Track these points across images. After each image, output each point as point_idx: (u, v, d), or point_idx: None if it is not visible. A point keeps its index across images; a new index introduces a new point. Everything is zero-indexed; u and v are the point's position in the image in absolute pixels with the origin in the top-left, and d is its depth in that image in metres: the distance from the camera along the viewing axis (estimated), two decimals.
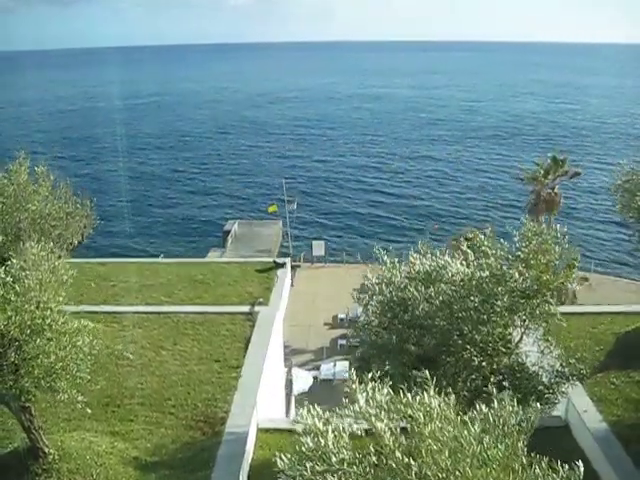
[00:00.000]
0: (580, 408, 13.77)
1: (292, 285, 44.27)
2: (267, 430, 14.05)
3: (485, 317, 8.96)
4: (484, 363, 8.58)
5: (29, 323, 9.05)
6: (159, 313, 18.23)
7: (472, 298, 8.88)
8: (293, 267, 47.30)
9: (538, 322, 9.52)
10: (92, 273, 21.28)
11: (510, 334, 9.54)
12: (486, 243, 10.44)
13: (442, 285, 9.39)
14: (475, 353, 8.56)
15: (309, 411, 6.30)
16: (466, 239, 38.49)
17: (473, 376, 8.70)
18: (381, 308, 9.94)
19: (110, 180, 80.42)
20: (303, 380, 29.89)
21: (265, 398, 15.27)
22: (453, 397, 6.06)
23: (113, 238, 59.09)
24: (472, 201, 67.43)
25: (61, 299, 9.92)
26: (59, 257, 10.77)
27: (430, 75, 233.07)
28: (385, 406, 5.87)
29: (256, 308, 18.26)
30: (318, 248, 47.51)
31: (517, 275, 9.39)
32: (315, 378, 32.80)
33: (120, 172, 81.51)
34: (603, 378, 15.00)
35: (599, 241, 56.53)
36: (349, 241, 56.79)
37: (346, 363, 34.37)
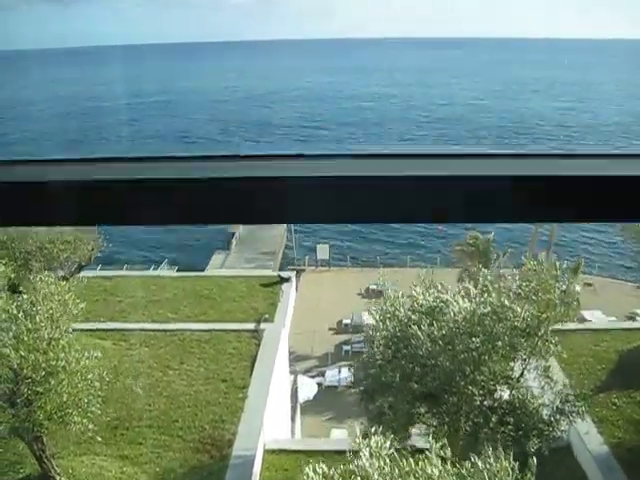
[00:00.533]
0: (582, 429, 13.96)
1: (296, 290, 44.74)
2: (273, 451, 14.31)
3: (486, 357, 9.15)
4: (485, 402, 8.78)
5: (44, 365, 9.29)
6: (165, 331, 18.47)
7: (474, 339, 9.07)
8: (297, 271, 47.66)
9: (538, 359, 9.71)
10: (99, 288, 21.52)
11: (511, 369, 9.74)
12: (489, 277, 10.62)
13: (444, 323, 9.58)
14: (477, 393, 8.76)
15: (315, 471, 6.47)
16: (470, 244, 38.62)
17: (474, 413, 8.89)
18: (385, 343, 10.13)
19: None
20: (308, 388, 30.12)
21: (271, 417, 15.52)
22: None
23: (116, 245, 59.33)
24: None
25: (72, 335, 10.15)
26: (68, 290, 10.96)
27: (430, 73, 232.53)
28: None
29: (261, 325, 18.47)
30: (322, 252, 47.70)
31: (518, 310, 9.59)
32: (320, 385, 33.08)
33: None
34: (605, 398, 15.17)
35: (604, 243, 56.48)
36: (354, 244, 56.92)
37: (351, 370, 34.74)
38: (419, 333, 9.28)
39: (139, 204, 0.95)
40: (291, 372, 27.33)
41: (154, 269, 48.19)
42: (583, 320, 38.20)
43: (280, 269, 55.04)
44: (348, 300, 42.92)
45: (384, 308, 10.75)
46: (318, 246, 48.30)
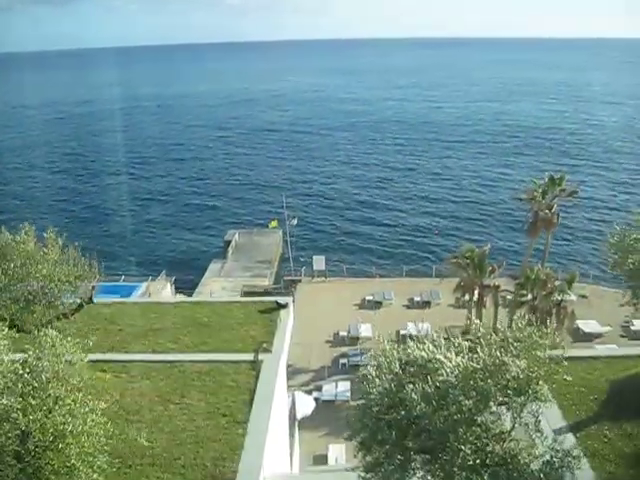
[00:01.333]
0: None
1: (293, 301, 45.05)
2: None
3: (479, 416, 9.51)
4: (478, 460, 9.13)
5: (51, 430, 9.57)
6: (166, 362, 18.76)
7: (467, 402, 9.42)
8: (294, 281, 48.06)
9: (529, 414, 10.06)
10: (99, 316, 21.81)
11: (502, 424, 10.09)
12: (482, 330, 10.98)
13: (438, 382, 9.93)
14: (469, 451, 9.11)
15: None
16: (465, 256, 38.92)
17: (467, 469, 9.24)
18: (380, 396, 10.47)
19: (109, 193, 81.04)
20: (306, 404, 30.44)
21: (271, 450, 15.85)
22: None
23: (114, 256, 59.67)
24: (472, 213, 67.65)
25: (80, 395, 10.43)
26: (75, 346, 11.25)
27: (424, 76, 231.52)
28: None
29: (260, 356, 18.78)
30: (319, 263, 48.11)
31: (510, 364, 9.93)
32: (317, 399, 33.46)
33: (119, 185, 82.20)
34: (596, 431, 15.53)
35: (599, 251, 56.89)
36: (350, 255, 57.28)
37: (347, 383, 35.10)
38: (413, 395, 9.61)
39: None
40: (289, 389, 27.65)
41: (152, 280, 48.58)
42: (578, 330, 38.83)
43: (276, 278, 55.52)
44: (344, 311, 43.40)
45: (380, 361, 11.07)
46: (314, 257, 48.75)
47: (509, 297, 38.96)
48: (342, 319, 42.08)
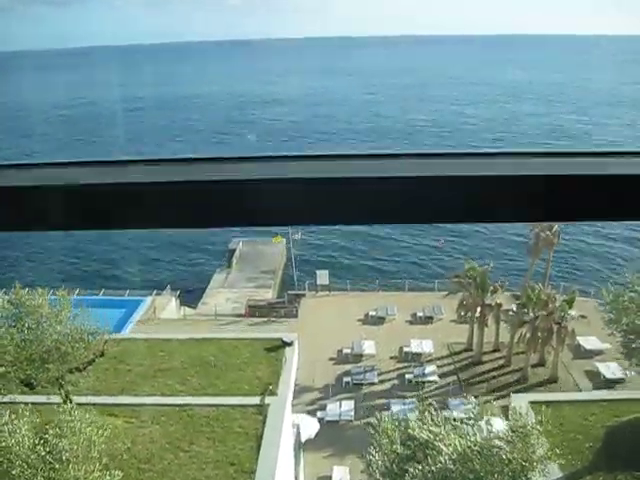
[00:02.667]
0: None
1: (297, 316, 45.67)
2: None
3: None
4: None
5: None
6: (175, 406, 19.35)
7: None
8: (298, 295, 48.60)
9: None
10: (108, 354, 22.32)
11: None
12: (478, 412, 11.51)
13: (438, 464, 10.47)
14: None
15: None
16: (467, 275, 39.35)
17: None
18: (383, 476, 11.04)
19: None
20: (310, 427, 30.98)
21: None
22: None
23: (116, 264, 60.32)
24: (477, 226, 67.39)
25: (97, 474, 11.03)
26: (90, 423, 11.82)
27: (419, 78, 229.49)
28: None
29: (266, 400, 19.36)
30: (322, 277, 48.60)
31: (505, 453, 10.48)
32: (321, 419, 34.06)
33: None
34: None
35: (600, 262, 57.28)
36: (353, 268, 57.76)
37: (351, 403, 35.71)
38: None
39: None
40: (293, 410, 28.25)
41: (157, 294, 49.19)
42: (579, 346, 39.31)
43: (280, 290, 56.06)
44: (348, 327, 43.90)
45: (382, 442, 11.63)
46: (318, 272, 49.18)
47: (511, 313, 39.54)
48: (345, 335, 42.58)
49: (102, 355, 17.25)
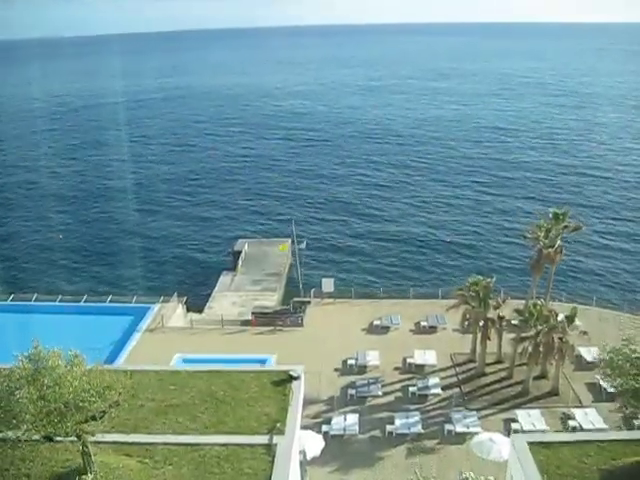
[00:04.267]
0: None
1: (302, 325, 46.29)
2: None
3: None
4: None
5: None
6: (187, 445, 20.01)
7: None
8: (303, 303, 49.19)
9: None
10: (120, 387, 22.96)
11: None
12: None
13: None
14: None
15: None
16: (470, 289, 39.79)
17: None
18: None
19: (115, 202, 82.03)
20: (315, 444, 31.51)
21: None
22: None
23: (125, 271, 61.05)
24: (483, 232, 67.33)
25: None
26: None
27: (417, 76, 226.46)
28: None
29: (274, 439, 19.97)
30: (327, 285, 49.14)
31: None
32: (326, 433, 34.76)
33: (126, 192, 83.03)
34: None
35: (601, 271, 57.52)
36: (358, 275, 58.24)
37: (356, 416, 36.36)
38: None
39: None
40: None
41: (164, 300, 49.84)
42: (580, 358, 39.85)
43: (285, 292, 56.71)
44: (352, 336, 44.56)
45: None
46: (323, 279, 49.73)
47: (514, 322, 40.07)
48: (350, 344, 43.25)
49: (117, 405, 17.84)
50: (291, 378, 23.16)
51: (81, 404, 16.09)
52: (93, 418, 17.17)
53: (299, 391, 22.64)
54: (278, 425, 20.72)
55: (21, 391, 15.16)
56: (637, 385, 15.58)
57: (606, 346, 17.25)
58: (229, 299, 55.92)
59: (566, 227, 37.68)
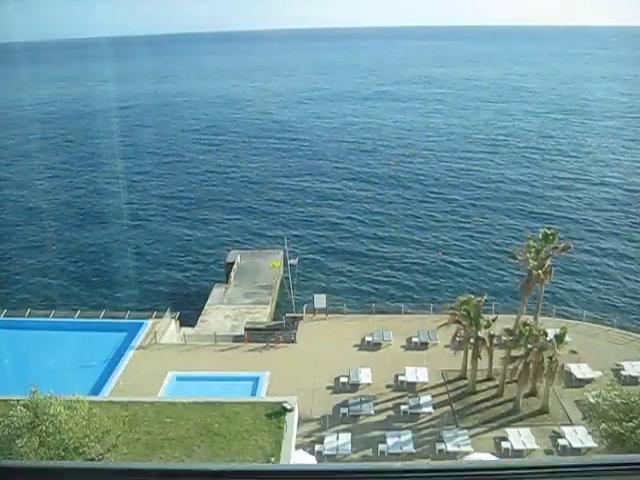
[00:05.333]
0: None
1: (295, 342, 46.62)
2: None
3: None
4: None
5: None
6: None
7: None
8: (295, 318, 49.53)
9: None
10: (117, 419, 23.17)
11: None
12: None
13: None
14: None
15: None
16: (462, 303, 40.34)
17: None
18: None
19: (107, 212, 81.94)
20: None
21: None
22: None
23: (118, 286, 61.08)
24: (475, 248, 67.68)
25: None
26: None
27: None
28: None
29: None
30: (320, 301, 49.49)
31: None
32: (319, 452, 35.12)
33: (118, 204, 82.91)
34: None
35: (591, 286, 58.15)
36: (349, 290, 58.58)
37: (348, 435, 36.75)
38: None
39: None
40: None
41: (156, 316, 50.01)
42: (570, 375, 40.43)
43: (277, 306, 57.01)
44: (345, 353, 44.91)
45: None
46: (315, 295, 50.10)
47: (504, 338, 40.66)
48: (343, 361, 43.61)
49: (115, 447, 18.13)
50: (285, 410, 23.49)
51: (81, 449, 16.37)
52: (92, 459, 17.47)
53: (292, 424, 22.99)
54: (272, 460, 21.06)
55: (22, 439, 15.39)
56: (621, 430, 15.87)
57: (588, 389, 17.63)
58: (222, 312, 56.10)
59: (555, 248, 38.23)
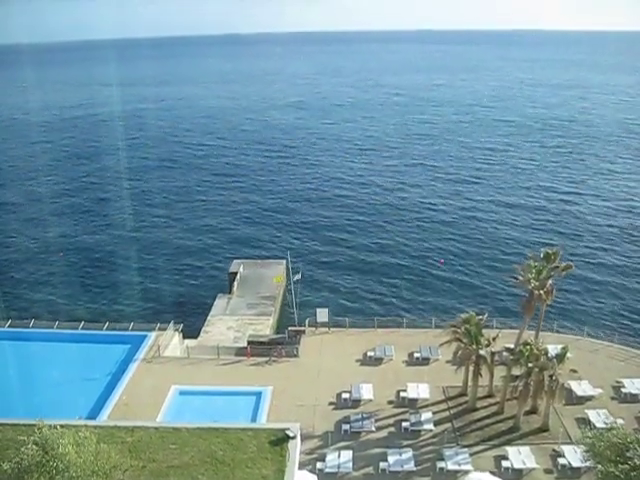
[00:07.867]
0: None
1: (297, 356, 46.88)
2: None
3: None
4: None
5: None
6: None
7: None
8: (298, 332, 49.81)
9: None
10: (123, 445, 23.59)
11: None
12: None
13: None
14: None
15: None
16: (463, 321, 40.68)
17: None
18: None
19: (112, 222, 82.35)
20: None
21: None
22: None
23: (122, 297, 61.52)
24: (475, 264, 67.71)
25: None
26: None
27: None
28: None
29: None
30: (322, 315, 49.73)
31: None
32: (321, 470, 35.35)
33: (122, 214, 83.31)
34: None
35: (592, 302, 58.33)
36: (352, 304, 58.89)
37: (350, 453, 36.98)
38: None
39: None
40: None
41: (160, 328, 50.34)
42: (570, 392, 40.66)
43: (280, 318, 57.36)
44: (347, 367, 45.19)
45: None
46: (318, 310, 50.30)
47: (505, 354, 40.92)
48: (345, 376, 43.87)
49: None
50: (287, 437, 23.79)
51: None
52: None
53: (295, 451, 23.28)
54: None
55: (32, 478, 15.74)
56: (617, 472, 16.13)
57: (584, 432, 17.90)
58: (225, 323, 56.42)
59: (556, 267, 38.45)
